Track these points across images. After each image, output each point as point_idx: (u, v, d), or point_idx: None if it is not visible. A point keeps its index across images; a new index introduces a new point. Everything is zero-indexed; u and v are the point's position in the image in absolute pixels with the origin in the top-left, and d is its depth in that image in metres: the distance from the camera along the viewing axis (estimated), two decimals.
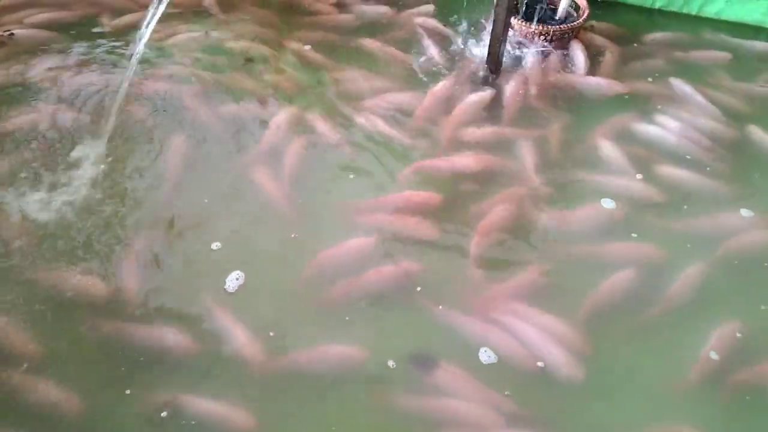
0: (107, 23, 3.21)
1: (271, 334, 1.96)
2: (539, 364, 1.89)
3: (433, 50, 3.11)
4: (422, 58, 3.05)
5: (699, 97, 2.84)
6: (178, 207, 2.31)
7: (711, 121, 2.73)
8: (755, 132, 2.68)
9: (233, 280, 2.08)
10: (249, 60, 3.02)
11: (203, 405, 1.77)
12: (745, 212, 2.34)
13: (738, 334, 1.96)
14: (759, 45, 3.22)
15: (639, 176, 2.46)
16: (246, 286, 2.07)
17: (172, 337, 1.91)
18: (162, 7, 2.56)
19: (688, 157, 2.56)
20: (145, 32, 2.57)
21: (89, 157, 2.44)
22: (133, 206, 2.30)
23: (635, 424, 1.80)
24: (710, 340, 1.95)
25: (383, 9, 3.39)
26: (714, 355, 1.91)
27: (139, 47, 2.60)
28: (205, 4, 3.39)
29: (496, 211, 2.29)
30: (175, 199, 2.34)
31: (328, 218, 2.31)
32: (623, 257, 2.18)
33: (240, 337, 1.92)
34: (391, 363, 1.88)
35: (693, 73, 3.01)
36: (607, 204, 2.33)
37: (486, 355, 1.91)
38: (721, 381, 1.88)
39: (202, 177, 2.43)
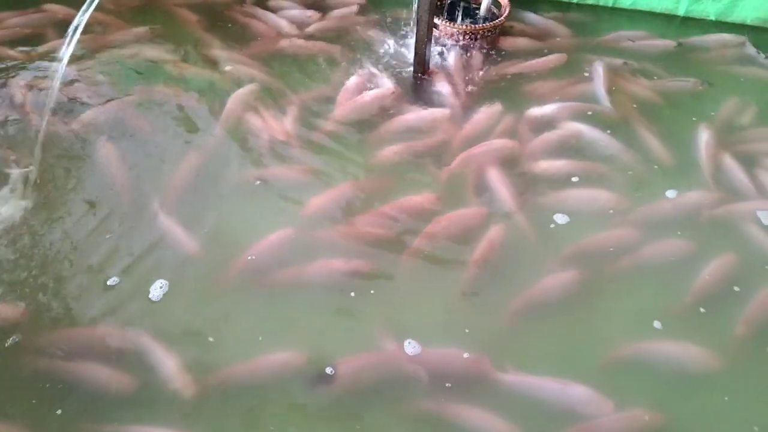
0: (51, 41, 3.10)
1: (210, 339, 1.95)
2: (465, 355, 1.92)
3: (362, 52, 3.12)
4: (350, 62, 3.05)
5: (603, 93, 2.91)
6: (99, 218, 2.27)
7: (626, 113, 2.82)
8: (668, 117, 2.80)
9: (157, 288, 2.04)
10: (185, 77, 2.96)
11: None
12: (670, 193, 2.44)
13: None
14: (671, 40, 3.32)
15: (575, 179, 2.49)
16: (171, 294, 2.04)
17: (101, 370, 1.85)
18: (79, 30, 2.47)
19: (609, 151, 2.63)
20: (66, 51, 2.48)
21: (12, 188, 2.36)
22: (61, 224, 2.24)
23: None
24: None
25: (309, 12, 3.38)
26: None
27: (62, 67, 2.50)
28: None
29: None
30: (98, 210, 2.30)
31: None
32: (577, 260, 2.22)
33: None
34: (329, 370, 1.88)
35: (611, 67, 3.09)
36: (560, 219, 2.34)
37: (411, 347, 1.93)
38: None
39: (135, 188, 2.40)
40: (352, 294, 2.09)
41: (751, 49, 3.21)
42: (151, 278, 2.08)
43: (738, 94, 2.94)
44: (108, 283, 2.06)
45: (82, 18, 2.46)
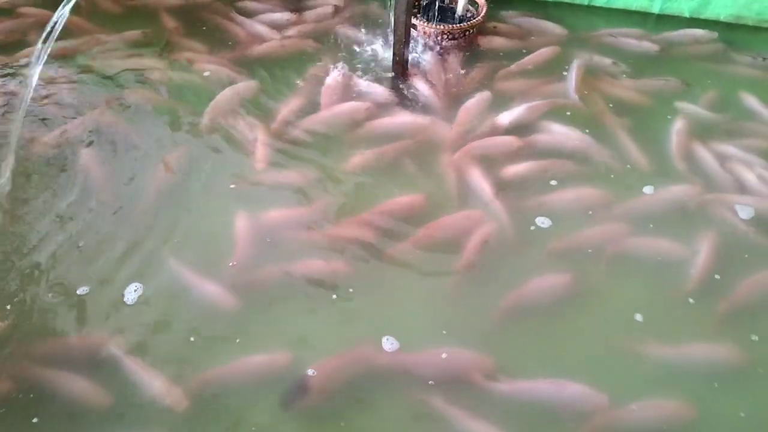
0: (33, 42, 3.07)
1: (192, 339, 1.95)
2: (443, 355, 1.93)
3: (340, 54, 3.12)
4: (328, 64, 3.04)
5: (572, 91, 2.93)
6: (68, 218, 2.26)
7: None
8: (645, 116, 2.83)
9: (131, 292, 2.04)
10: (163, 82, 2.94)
11: None
12: (647, 189, 2.47)
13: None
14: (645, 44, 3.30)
15: (553, 182, 2.49)
16: (145, 296, 2.05)
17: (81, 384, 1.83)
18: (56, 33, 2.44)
19: (586, 151, 2.64)
20: (40, 58, 2.45)
21: None
22: (37, 231, 2.22)
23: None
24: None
25: (286, 15, 3.38)
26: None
27: (35, 75, 2.47)
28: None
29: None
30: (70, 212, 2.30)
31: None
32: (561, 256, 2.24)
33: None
34: (310, 371, 1.88)
35: (590, 65, 3.11)
36: (542, 222, 2.34)
37: (389, 343, 1.95)
38: None
39: (113, 195, 2.39)
40: (334, 296, 2.09)
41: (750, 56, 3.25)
42: (125, 282, 2.08)
43: (715, 90, 2.98)
44: (80, 291, 2.05)
45: (56, 24, 2.44)
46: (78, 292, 2.04)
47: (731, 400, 1.88)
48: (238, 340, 1.96)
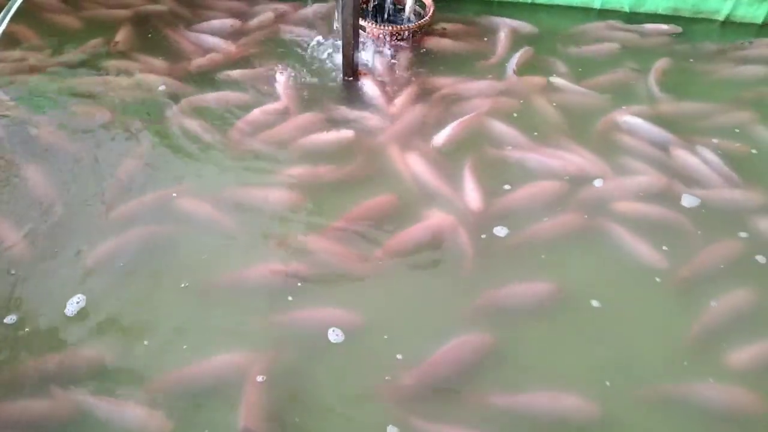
0: None
1: (146, 342, 1.94)
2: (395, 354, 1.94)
3: (290, 58, 3.11)
4: (279, 69, 3.01)
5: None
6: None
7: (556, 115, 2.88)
8: (597, 110, 2.89)
9: (74, 303, 2.01)
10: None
11: None
12: (597, 182, 2.53)
13: None
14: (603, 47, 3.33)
15: (507, 187, 2.50)
16: (88, 308, 2.01)
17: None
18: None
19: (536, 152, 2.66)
20: None
21: None
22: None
23: None
24: None
25: (230, 21, 3.34)
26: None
27: None
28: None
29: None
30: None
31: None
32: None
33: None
34: (260, 378, 1.87)
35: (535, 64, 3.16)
36: (501, 231, 2.33)
37: (334, 335, 1.96)
38: None
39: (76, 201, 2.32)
40: (290, 298, 2.08)
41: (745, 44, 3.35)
42: (66, 294, 2.04)
43: (664, 82, 3.05)
44: (8, 320, 1.99)
45: None
46: (6, 321, 1.98)
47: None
48: (185, 347, 1.94)
